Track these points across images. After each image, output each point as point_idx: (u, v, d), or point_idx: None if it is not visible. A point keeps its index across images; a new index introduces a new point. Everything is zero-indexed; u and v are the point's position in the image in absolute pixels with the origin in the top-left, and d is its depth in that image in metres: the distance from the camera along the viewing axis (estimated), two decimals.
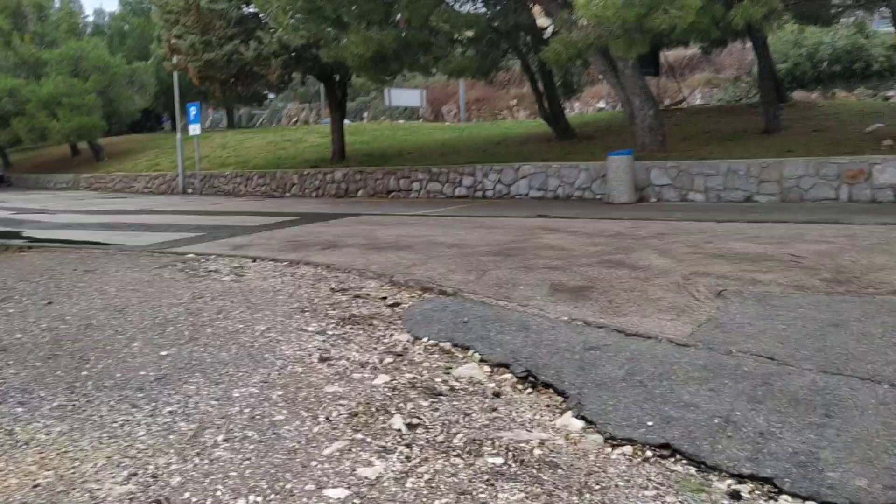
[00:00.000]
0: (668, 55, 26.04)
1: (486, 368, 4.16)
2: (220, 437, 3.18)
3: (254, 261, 7.60)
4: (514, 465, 2.94)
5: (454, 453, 3.04)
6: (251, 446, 3.09)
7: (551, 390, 3.81)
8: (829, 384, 3.55)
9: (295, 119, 50.25)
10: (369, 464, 2.93)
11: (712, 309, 4.90)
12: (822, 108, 19.58)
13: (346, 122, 33.11)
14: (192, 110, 21.45)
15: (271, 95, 46.88)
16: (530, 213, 11.17)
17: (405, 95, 32.80)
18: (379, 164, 18.15)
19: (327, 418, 3.38)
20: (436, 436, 3.22)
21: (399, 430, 3.26)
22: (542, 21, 18.14)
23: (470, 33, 15.08)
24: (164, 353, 4.42)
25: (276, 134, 29.93)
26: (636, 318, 4.79)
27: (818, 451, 2.94)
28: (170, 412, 3.49)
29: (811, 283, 5.44)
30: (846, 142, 12.89)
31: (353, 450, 3.06)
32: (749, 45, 19.61)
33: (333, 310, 5.39)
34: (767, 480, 2.77)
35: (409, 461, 2.95)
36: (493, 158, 16.30)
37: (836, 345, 4.07)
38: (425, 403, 3.60)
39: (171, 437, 3.21)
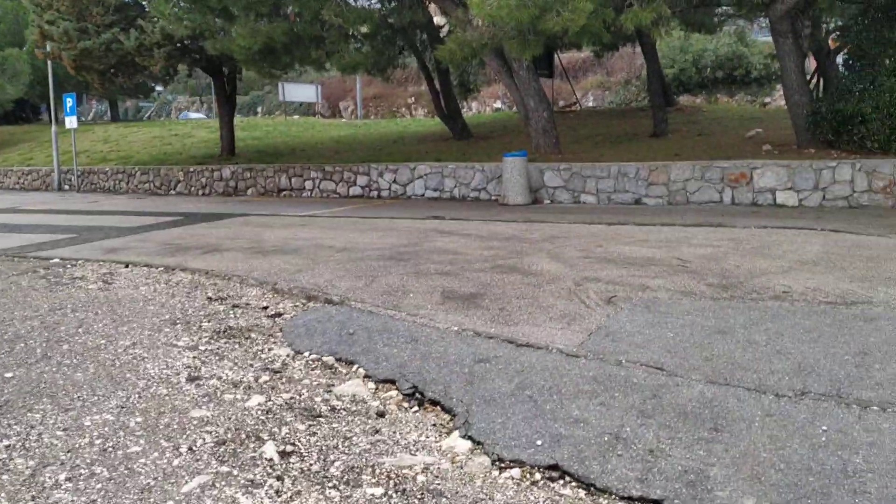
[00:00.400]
0: (562, 58, 26.49)
1: (371, 385, 3.92)
2: (63, 476, 2.81)
3: (126, 266, 7.07)
4: (395, 495, 2.72)
5: (330, 485, 2.80)
6: (98, 485, 2.74)
7: (439, 408, 3.61)
8: (717, 396, 3.51)
9: (182, 112, 48.36)
10: (234, 501, 2.64)
11: (602, 317, 4.83)
12: (707, 113, 20.36)
13: (240, 117, 32.01)
14: (69, 101, 20.08)
15: (159, 88, 44.89)
16: (425, 215, 10.99)
17: (300, 90, 32.02)
18: (271, 161, 17.54)
19: (190, 448, 3.06)
20: (311, 465, 2.96)
21: (270, 460, 2.98)
22: (439, 19, 18.03)
23: (364, 29, 14.75)
24: (8, 374, 3.95)
25: (162, 128, 28.55)
26: (527, 328, 4.66)
27: (707, 469, 2.87)
28: (6, 447, 3.07)
29: (698, 289, 5.48)
30: (729, 146, 13.37)
31: (217, 485, 2.76)
32: (639, 49, 20.16)
33: (208, 321, 5.01)
34: (657, 503, 2.67)
35: (279, 496, 2.68)
36: (390, 157, 16.04)
37: (722, 353, 4.06)
38: (302, 427, 3.33)
39: (4, 477, 2.81)
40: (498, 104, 32.92)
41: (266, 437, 3.19)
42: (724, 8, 16.95)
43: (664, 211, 10.74)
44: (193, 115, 43.49)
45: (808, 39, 12.94)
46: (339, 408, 3.60)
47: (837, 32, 12.74)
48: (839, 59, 13.94)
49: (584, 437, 3.16)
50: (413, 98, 36.99)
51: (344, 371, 4.13)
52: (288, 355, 4.38)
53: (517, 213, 10.87)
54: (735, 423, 3.23)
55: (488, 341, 4.41)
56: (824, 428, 3.14)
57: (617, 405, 3.46)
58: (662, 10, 10.25)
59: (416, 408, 3.64)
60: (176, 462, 2.94)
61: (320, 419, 3.44)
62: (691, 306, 5.01)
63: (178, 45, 16.61)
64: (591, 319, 4.79)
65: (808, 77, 13.55)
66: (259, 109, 43.87)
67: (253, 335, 4.73)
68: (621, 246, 7.48)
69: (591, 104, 29.53)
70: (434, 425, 3.45)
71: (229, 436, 3.20)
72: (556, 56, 24.13)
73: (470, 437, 3.24)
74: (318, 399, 3.70)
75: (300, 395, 3.74)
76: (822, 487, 2.70)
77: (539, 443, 3.13)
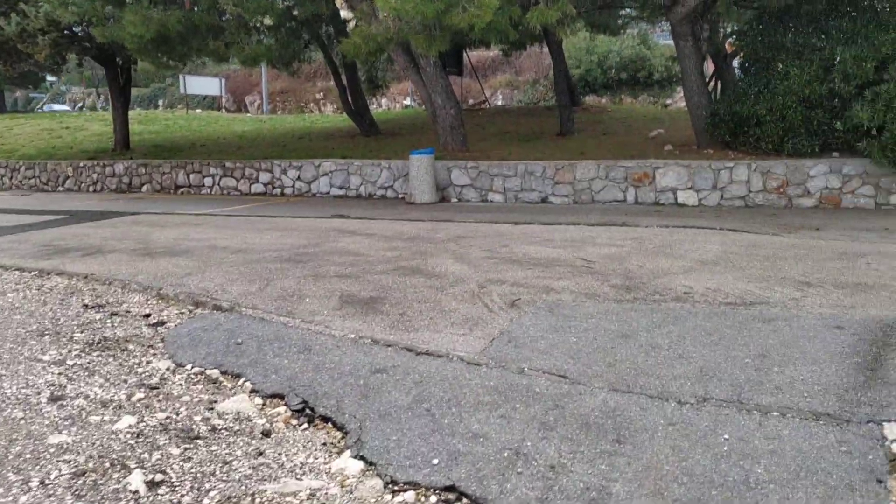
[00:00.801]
0: (472, 56, 26.50)
1: (258, 400, 3.63)
2: None
3: None
4: None
5: None
6: None
7: (330, 424, 3.37)
8: (620, 404, 3.40)
9: (80, 104, 46.05)
10: None
11: (506, 321, 4.68)
12: (611, 113, 20.74)
13: (140, 109, 30.62)
14: None
15: (52, 78, 42.57)
16: (329, 213, 10.64)
17: (203, 83, 30.88)
18: (169, 156, 16.73)
19: (42, 482, 2.71)
20: (182, 496, 2.66)
21: (136, 492, 2.66)
22: (346, 13, 17.62)
23: (267, 20, 14.21)
24: None
25: (52, 120, 26.96)
26: (428, 334, 4.46)
27: (609, 485, 2.74)
28: None
29: (602, 291, 5.41)
30: (632, 146, 13.58)
31: None
32: (546, 49, 20.32)
33: (81, 332, 4.58)
34: None
35: None
36: (294, 154, 15.56)
37: (625, 358, 3.97)
38: (177, 451, 3.02)
39: None
40: (407, 101, 32.71)
41: (133, 465, 2.87)
42: (628, 10, 17.27)
43: (570, 210, 10.77)
44: (58, 106, 41.52)
45: (706, 43, 13.28)
46: (220, 427, 3.30)
47: (734, 37, 13.09)
48: (735, 63, 14.37)
49: (484, 453, 2.98)
50: (322, 93, 36.36)
51: (229, 385, 3.82)
52: (168, 369, 4.03)
53: (424, 212, 10.67)
54: (638, 434, 3.12)
55: (386, 349, 4.19)
56: (726, 437, 3.07)
57: (518, 417, 3.30)
58: (567, 9, 10.25)
59: (305, 425, 3.38)
60: (23, 499, 2.58)
61: (198, 441, 3.13)
62: (595, 309, 4.93)
63: (66, 31, 15.60)
64: (494, 324, 4.64)
65: (707, 79, 13.90)
66: (160, 102, 42.19)
67: (131, 347, 4.34)
68: (527, 246, 7.38)
69: (500, 102, 29.72)
70: (324, 444, 3.20)
71: (91, 465, 2.85)
72: (465, 54, 24.10)
73: (362, 457, 3.01)
74: (197, 418, 3.38)
75: (178, 415, 3.41)
76: (725, 501, 2.61)
77: (435, 462, 2.93)
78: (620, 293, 5.33)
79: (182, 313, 5.02)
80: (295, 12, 14.79)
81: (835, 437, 3.05)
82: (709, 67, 15.12)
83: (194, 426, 3.29)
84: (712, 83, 14.35)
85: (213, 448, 3.08)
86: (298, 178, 13.97)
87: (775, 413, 3.27)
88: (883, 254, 6.62)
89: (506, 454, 2.98)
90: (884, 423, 3.13)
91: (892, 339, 4.14)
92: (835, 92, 10.38)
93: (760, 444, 3.01)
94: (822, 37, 10.85)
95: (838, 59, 10.37)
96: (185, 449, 3.05)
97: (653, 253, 6.89)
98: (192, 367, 4.03)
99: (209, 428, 3.28)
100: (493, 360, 3.99)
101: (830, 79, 10.37)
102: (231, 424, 3.35)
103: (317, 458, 3.06)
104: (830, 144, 10.79)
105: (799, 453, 2.92)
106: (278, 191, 14.13)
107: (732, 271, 6.00)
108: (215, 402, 3.59)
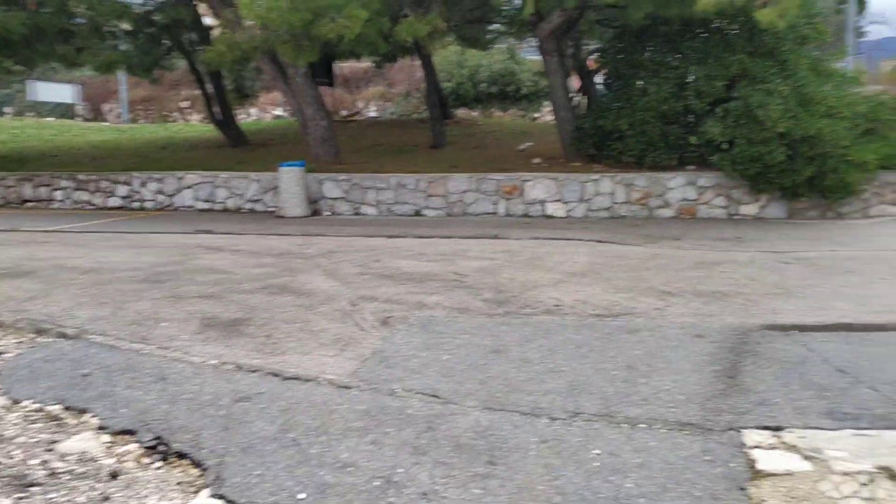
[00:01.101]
0: (344, 67, 26.24)
1: (106, 438, 3.32)
2: None
3: None
4: None
5: None
6: None
7: (187, 461, 3.12)
8: (493, 423, 3.36)
9: None
10: None
11: (378, 340, 4.56)
12: (482, 126, 21.07)
13: None
14: None
15: None
16: (193, 229, 10.14)
17: (54, 90, 28.86)
18: (15, 168, 15.47)
19: None
20: None
21: None
22: (211, 20, 16.97)
23: (125, 25, 13.43)
24: None
25: None
26: (296, 357, 4.27)
27: None
28: None
29: (474, 305, 5.39)
30: (503, 158, 13.79)
31: None
32: (418, 62, 20.39)
33: None
34: None
35: None
36: (156, 165, 14.77)
37: (498, 375, 3.94)
38: (7, 503, 2.69)
39: None
40: (279, 111, 31.96)
41: None
42: (497, 25, 17.60)
43: (443, 223, 10.79)
44: None
45: (571, 59, 13.71)
46: (60, 471, 2.98)
47: (597, 54, 13.59)
48: (598, 79, 14.91)
49: (353, 484, 2.85)
50: (188, 102, 34.87)
51: (73, 422, 3.48)
52: (3, 407, 3.63)
53: (294, 227, 10.38)
54: (511, 454, 3.08)
55: (250, 375, 3.96)
56: (597, 451, 3.08)
57: (389, 442, 3.18)
58: (437, 23, 10.31)
59: (159, 463, 3.12)
60: None
61: (33, 489, 2.82)
62: (467, 324, 4.89)
63: None
64: (366, 344, 4.50)
65: (575, 94, 14.34)
66: (8, 109, 39.18)
67: None
68: (400, 260, 7.29)
69: (373, 114, 29.57)
70: (179, 484, 2.95)
71: None
72: (336, 65, 23.81)
73: (222, 496, 2.80)
74: (34, 462, 3.04)
75: (11, 458, 3.06)
76: None
77: (302, 496, 2.76)
78: (492, 307, 5.33)
79: (21, 342, 4.56)
80: (155, 17, 14.07)
81: (699, 446, 3.12)
82: (576, 83, 15.61)
83: (30, 471, 2.96)
84: (580, 98, 14.82)
85: (52, 496, 2.77)
86: (160, 192, 13.26)
87: (643, 425, 3.32)
88: (736, 262, 7.00)
89: (377, 483, 2.85)
90: (743, 431, 3.24)
91: (748, 346, 4.34)
92: (689, 108, 10.96)
93: (629, 457, 3.04)
94: (678, 56, 11.45)
95: (692, 77, 10.97)
96: (19, 499, 2.73)
97: (523, 265, 6.96)
98: (31, 404, 3.65)
99: (48, 472, 2.96)
100: (364, 382, 3.86)
101: (685, 96, 10.94)
102: (73, 467, 3.04)
103: (171, 500, 2.82)
104: (687, 158, 11.36)
105: (666, 465, 2.97)
106: (138, 205, 13.35)
107: (600, 282, 6.15)
108: (56, 441, 3.26)
